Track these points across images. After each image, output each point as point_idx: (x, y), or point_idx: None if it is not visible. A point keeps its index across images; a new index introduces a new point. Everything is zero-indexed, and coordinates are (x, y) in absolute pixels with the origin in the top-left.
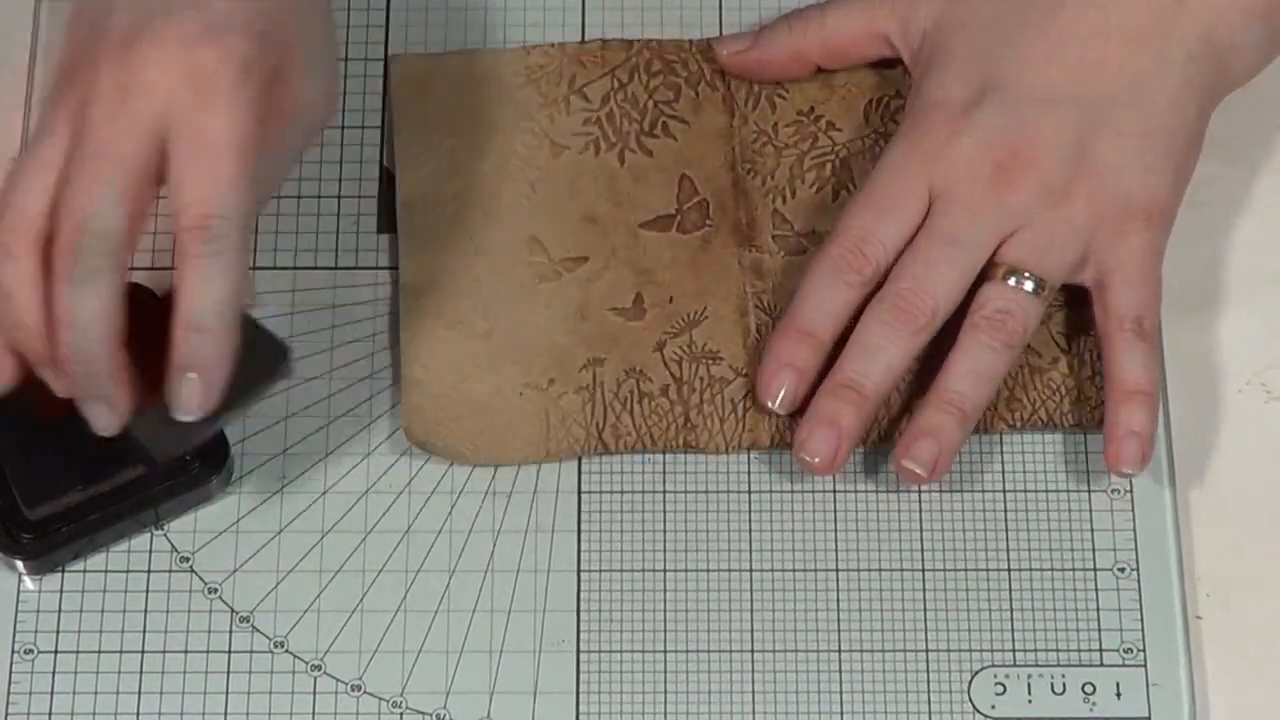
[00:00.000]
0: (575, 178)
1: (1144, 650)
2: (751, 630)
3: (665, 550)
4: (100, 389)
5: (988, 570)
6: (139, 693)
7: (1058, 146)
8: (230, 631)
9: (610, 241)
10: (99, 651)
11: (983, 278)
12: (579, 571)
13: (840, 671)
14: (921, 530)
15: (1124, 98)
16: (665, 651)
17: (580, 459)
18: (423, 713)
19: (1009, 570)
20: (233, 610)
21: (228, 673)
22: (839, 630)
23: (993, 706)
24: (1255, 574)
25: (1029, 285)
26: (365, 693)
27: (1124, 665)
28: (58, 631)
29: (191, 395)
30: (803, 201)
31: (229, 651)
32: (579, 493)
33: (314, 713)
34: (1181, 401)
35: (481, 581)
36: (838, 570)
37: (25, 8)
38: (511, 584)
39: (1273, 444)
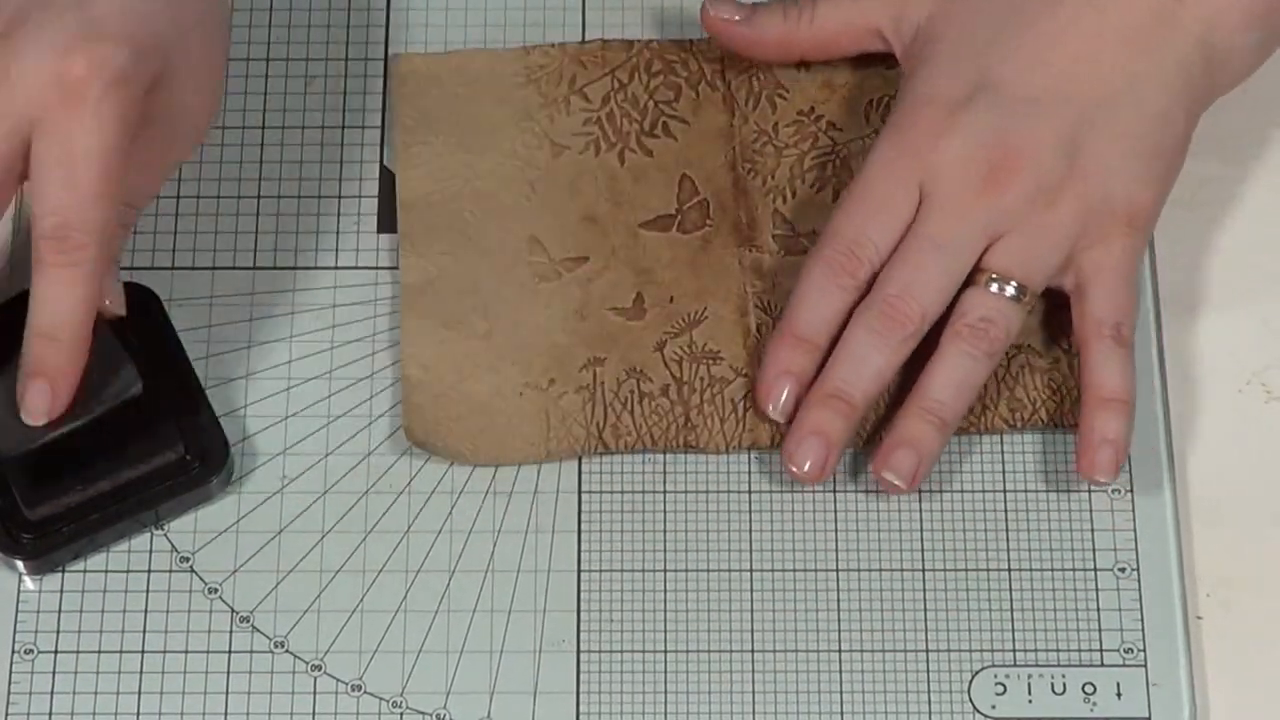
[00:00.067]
0: (575, 178)
1: (1144, 650)
2: (751, 630)
3: (665, 550)
4: None
5: (988, 570)
6: (139, 693)
7: (1048, 148)
8: (230, 631)
9: (610, 241)
10: (99, 651)
11: (967, 282)
12: (579, 571)
13: (840, 671)
14: (921, 530)
15: (1117, 100)
16: (665, 651)
17: (580, 459)
18: (423, 713)
19: (1009, 570)
20: (233, 610)
21: (228, 673)
22: (839, 630)
23: (993, 706)
24: (1255, 574)
25: (1011, 292)
26: (365, 693)
27: (1124, 665)
28: (58, 631)
29: (40, 402)
30: (803, 201)
31: (229, 651)
32: (579, 493)
33: (314, 713)
34: (1181, 401)
35: (482, 581)
36: (838, 570)
37: None
38: (512, 584)
39: (1273, 444)
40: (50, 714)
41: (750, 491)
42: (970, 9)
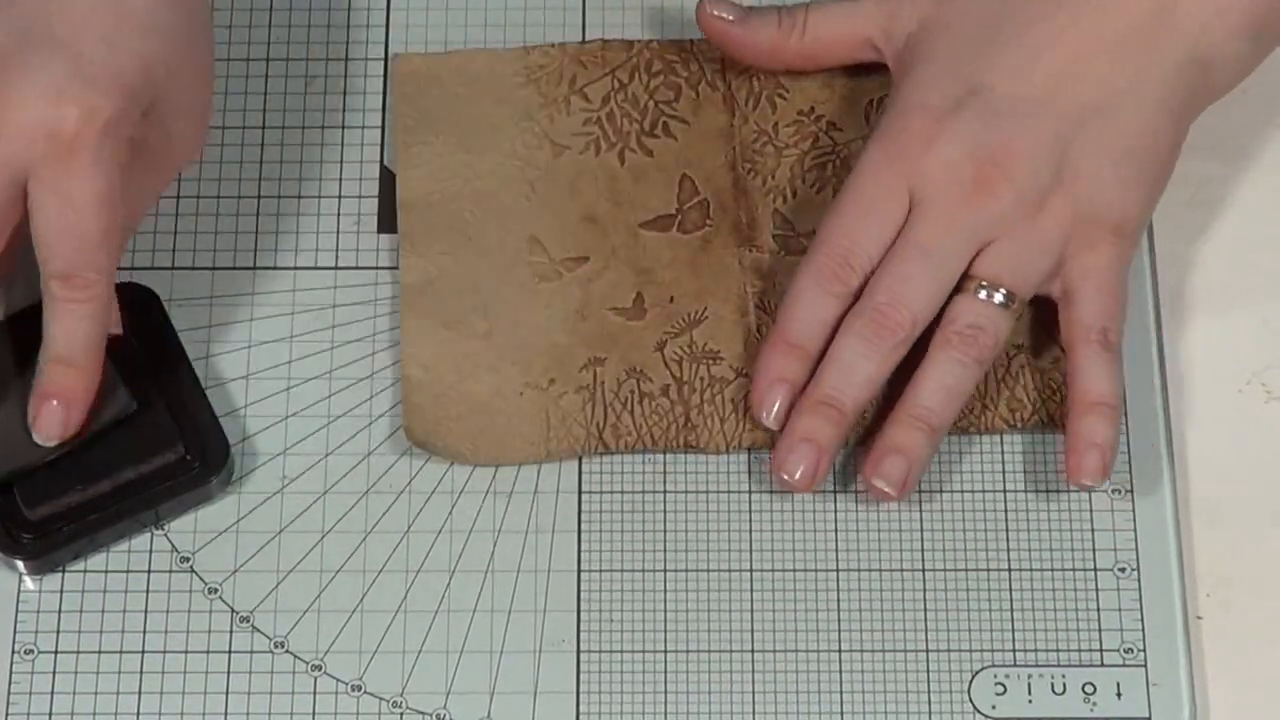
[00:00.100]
0: (576, 178)
1: (1144, 650)
2: (751, 630)
3: (665, 550)
4: None
5: (988, 570)
6: (139, 693)
7: (1036, 156)
8: (230, 631)
9: (610, 241)
10: (99, 651)
11: (956, 289)
12: (579, 571)
13: (840, 671)
14: (921, 530)
15: (1105, 108)
16: (665, 651)
17: (580, 459)
18: (423, 713)
19: (1009, 570)
20: (233, 610)
21: (228, 673)
22: (839, 630)
23: (993, 706)
24: (1255, 574)
25: (1000, 299)
26: (365, 693)
27: (1124, 665)
28: (58, 631)
29: (53, 423)
30: (803, 201)
31: (229, 651)
32: (579, 493)
33: (314, 713)
34: (1181, 401)
35: (482, 581)
36: (838, 570)
37: None
38: (512, 584)
39: (1273, 444)
40: (50, 714)
41: (750, 491)
42: (960, 18)
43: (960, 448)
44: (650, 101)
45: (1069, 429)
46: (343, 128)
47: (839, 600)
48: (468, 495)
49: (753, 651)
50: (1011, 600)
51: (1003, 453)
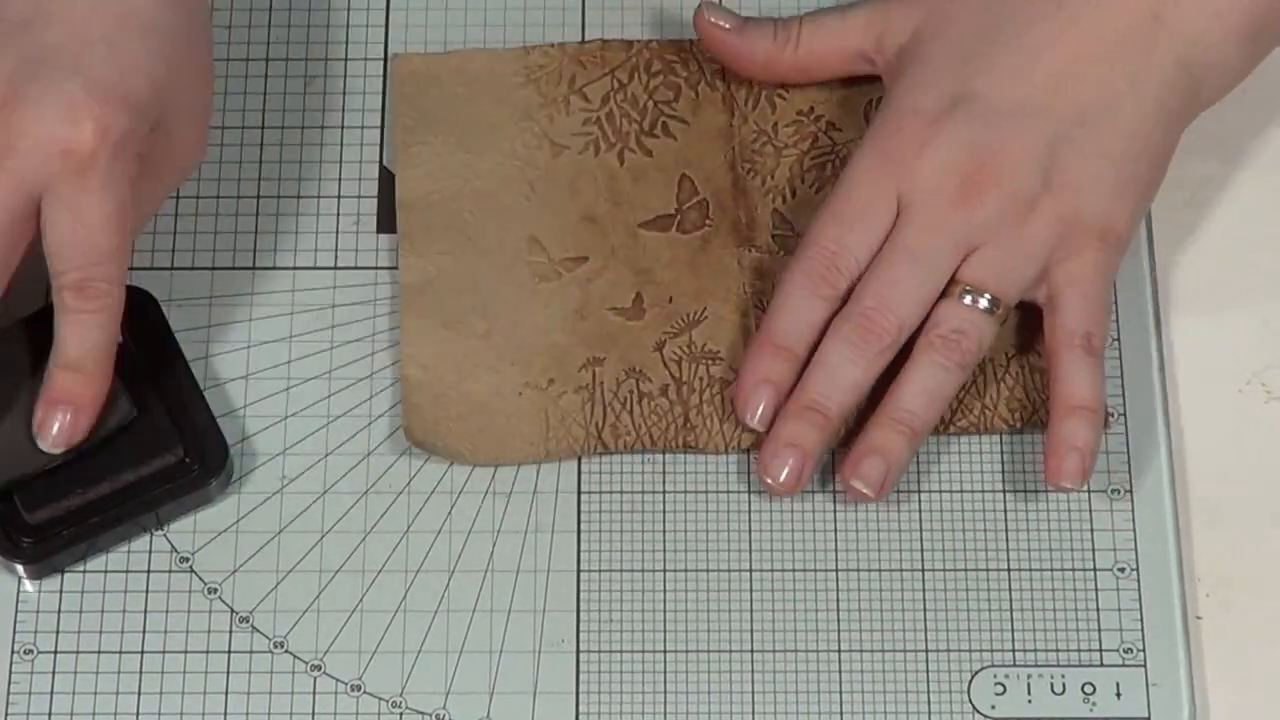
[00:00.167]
0: (575, 177)
1: (1144, 650)
2: (751, 630)
3: (665, 550)
4: None
5: (987, 570)
6: (139, 693)
7: (1025, 161)
8: (230, 632)
9: (610, 241)
10: (99, 652)
11: (940, 294)
12: (579, 571)
13: (840, 672)
14: (921, 530)
15: (1094, 116)
16: (665, 651)
17: (580, 459)
18: (422, 713)
19: (1009, 570)
20: (232, 610)
21: (227, 673)
22: (838, 630)
23: (992, 707)
24: (1255, 574)
25: (984, 304)
26: (365, 693)
27: (1124, 665)
28: (57, 632)
29: (61, 430)
30: (803, 202)
31: (229, 652)
32: (579, 493)
33: (314, 713)
34: (1181, 401)
35: (481, 581)
36: (837, 570)
37: None
38: (511, 584)
39: (1273, 444)
40: (50, 714)
41: (750, 491)
42: (952, 25)
43: (960, 448)
44: (650, 101)
45: (1050, 432)
46: (342, 128)
47: (838, 600)
48: (467, 495)
49: (752, 651)
50: (1011, 600)
51: (1002, 453)
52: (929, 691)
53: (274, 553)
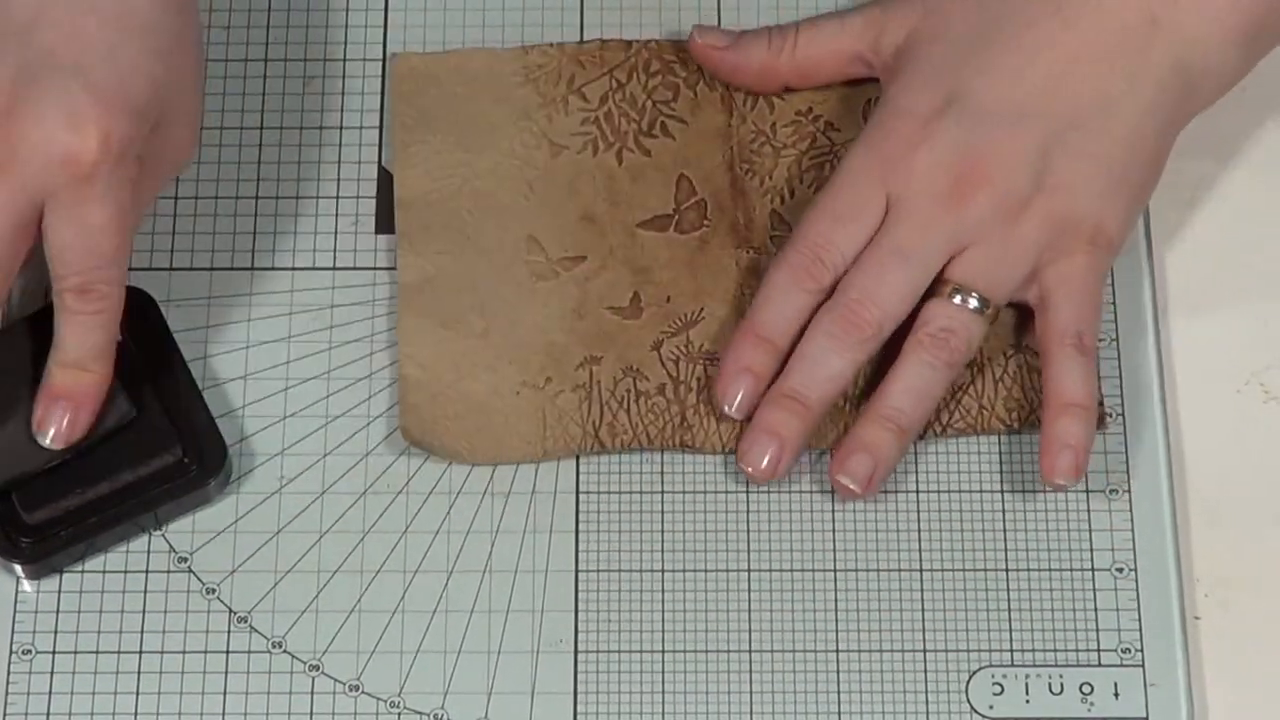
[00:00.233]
0: (573, 177)
1: (1142, 650)
2: (749, 630)
3: (663, 550)
4: None
5: (986, 570)
6: (137, 693)
7: (1016, 163)
8: (228, 632)
9: (608, 241)
10: (97, 652)
11: (930, 293)
12: (577, 572)
13: (838, 672)
14: (919, 530)
15: (1088, 118)
16: (663, 652)
17: (578, 459)
18: (420, 713)
19: (1007, 570)
20: (231, 610)
21: (226, 673)
22: (837, 630)
23: (990, 707)
24: (1253, 574)
25: (974, 303)
26: (363, 693)
27: (1122, 665)
28: (56, 632)
29: (61, 427)
30: (801, 202)
31: (227, 652)
32: (577, 493)
33: (312, 713)
34: (1180, 401)
35: (479, 582)
36: (835, 570)
37: None
38: (509, 584)
39: (1271, 444)
40: (48, 714)
41: (748, 491)
42: (948, 27)
43: (957, 448)
44: (648, 101)
45: (1044, 430)
46: (341, 128)
47: (837, 600)
48: (466, 495)
49: (750, 651)
50: (1009, 600)
51: (1000, 453)
52: (927, 691)
53: (272, 553)
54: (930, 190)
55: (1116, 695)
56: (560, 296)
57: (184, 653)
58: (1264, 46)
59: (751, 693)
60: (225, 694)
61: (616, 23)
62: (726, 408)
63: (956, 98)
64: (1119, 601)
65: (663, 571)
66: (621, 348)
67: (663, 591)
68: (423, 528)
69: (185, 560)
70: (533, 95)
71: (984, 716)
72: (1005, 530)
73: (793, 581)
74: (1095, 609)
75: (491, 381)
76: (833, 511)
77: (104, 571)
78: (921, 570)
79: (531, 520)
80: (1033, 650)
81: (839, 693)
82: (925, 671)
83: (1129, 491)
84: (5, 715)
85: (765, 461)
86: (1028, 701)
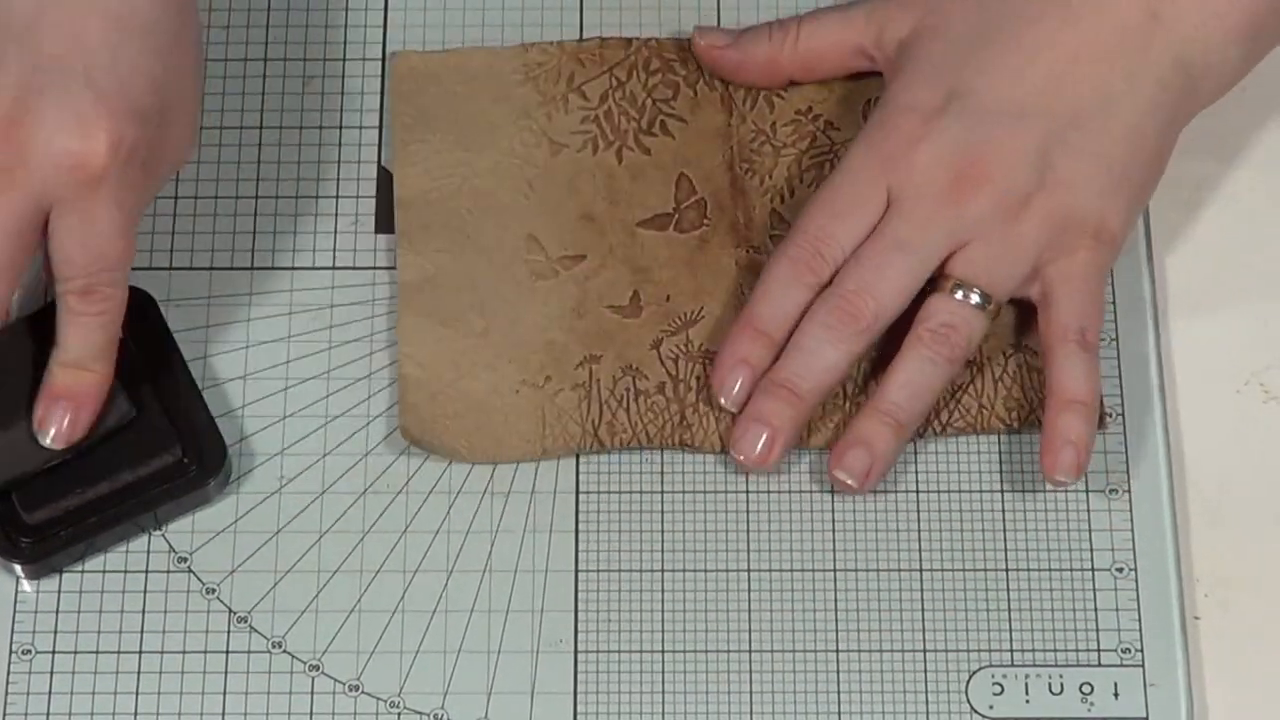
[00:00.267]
0: (573, 176)
1: (1142, 650)
2: (749, 630)
3: (663, 550)
4: None
5: (985, 570)
6: (137, 693)
7: (1018, 160)
8: (228, 632)
9: (608, 240)
10: (97, 652)
11: (931, 288)
12: (577, 571)
13: (838, 672)
14: (919, 530)
15: (1089, 116)
16: (663, 651)
17: (578, 458)
18: (420, 713)
19: (1007, 570)
20: (231, 610)
21: (226, 673)
22: (837, 630)
23: (990, 706)
24: (1253, 574)
25: (975, 299)
26: (363, 693)
27: (1122, 665)
28: (56, 631)
29: (62, 426)
30: (801, 201)
31: (227, 652)
32: (577, 492)
33: (312, 713)
34: (1180, 401)
35: (479, 581)
36: (835, 570)
37: None
38: (509, 584)
39: (1271, 444)
40: (48, 714)
41: (748, 491)
42: (951, 24)
43: (957, 448)
44: (648, 100)
45: (1046, 426)
46: (340, 128)
47: (836, 600)
48: (465, 495)
49: (750, 651)
50: (1009, 600)
51: (1000, 453)
52: (927, 691)
53: (272, 553)
54: (930, 186)
55: (1116, 695)
56: (560, 295)
57: (184, 653)
58: (1264, 46)
59: (751, 693)
60: (225, 694)
61: (616, 22)
62: (723, 399)
63: (957, 95)
64: (1119, 601)
65: (662, 571)
66: (621, 346)
67: (663, 591)
68: (422, 527)
69: (185, 560)
70: (532, 94)
71: (984, 716)
72: (1005, 530)
73: (793, 581)
74: (1095, 609)
75: (491, 380)
76: (832, 511)
77: (104, 571)
78: (921, 570)
79: (531, 520)
80: (1033, 650)
81: (839, 693)
82: (925, 671)
83: (1129, 491)
84: (5, 715)
85: (757, 449)
86: (1028, 701)
